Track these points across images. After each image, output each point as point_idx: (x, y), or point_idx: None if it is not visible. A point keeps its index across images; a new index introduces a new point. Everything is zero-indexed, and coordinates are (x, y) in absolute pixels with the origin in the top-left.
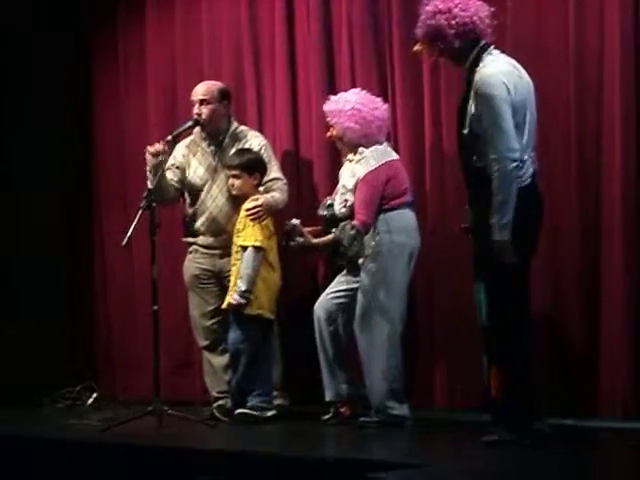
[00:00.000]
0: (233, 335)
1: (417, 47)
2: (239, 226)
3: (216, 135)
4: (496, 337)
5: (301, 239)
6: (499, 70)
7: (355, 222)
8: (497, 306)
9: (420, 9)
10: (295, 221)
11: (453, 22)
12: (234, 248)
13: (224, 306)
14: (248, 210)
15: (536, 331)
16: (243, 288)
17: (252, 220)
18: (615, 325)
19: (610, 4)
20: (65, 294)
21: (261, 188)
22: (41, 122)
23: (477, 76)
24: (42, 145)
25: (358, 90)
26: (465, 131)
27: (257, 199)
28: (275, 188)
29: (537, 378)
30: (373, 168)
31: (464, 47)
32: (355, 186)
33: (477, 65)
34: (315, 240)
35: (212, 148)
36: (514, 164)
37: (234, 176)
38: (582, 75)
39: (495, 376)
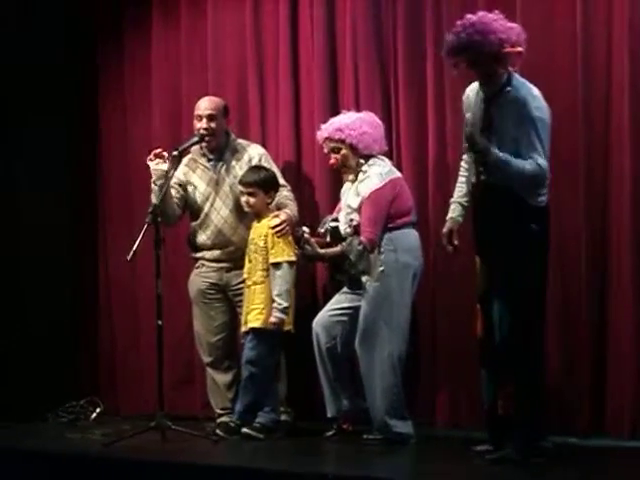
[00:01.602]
0: (256, 352)
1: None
2: (265, 244)
3: (216, 149)
4: (513, 356)
5: (308, 247)
6: (540, 94)
7: (362, 238)
8: (516, 325)
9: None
10: (304, 229)
11: (518, 49)
12: (248, 264)
13: (259, 325)
14: (274, 227)
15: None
16: (285, 304)
17: (280, 237)
18: (623, 343)
19: (618, 18)
20: (69, 309)
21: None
22: (46, 139)
23: (517, 96)
24: (47, 162)
25: (343, 111)
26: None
27: (278, 215)
28: (286, 202)
29: (546, 396)
30: (378, 187)
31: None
32: (360, 205)
33: (508, 85)
34: (322, 250)
35: (212, 162)
36: (544, 181)
37: (249, 193)
38: (590, 90)
39: (506, 394)
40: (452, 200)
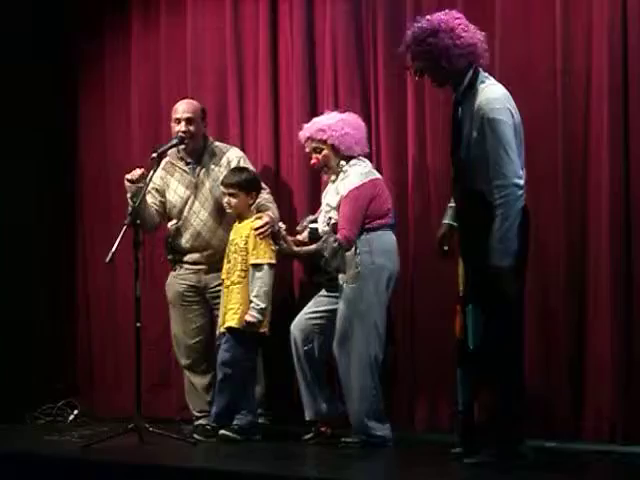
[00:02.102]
0: (231, 353)
1: (411, 64)
2: (246, 245)
3: (194, 152)
4: (489, 360)
5: (283, 244)
6: (502, 94)
7: (338, 236)
8: (492, 329)
9: (410, 26)
10: (281, 225)
11: (458, 42)
12: (227, 264)
13: (235, 324)
14: (257, 229)
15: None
16: (262, 305)
17: (262, 238)
18: (601, 346)
19: (598, 26)
20: (47, 310)
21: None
22: (24, 139)
23: (479, 99)
24: (24, 161)
25: (326, 112)
26: (462, 154)
27: (261, 217)
28: (267, 204)
29: (525, 400)
30: (357, 185)
31: (463, 68)
32: (339, 204)
33: (472, 88)
34: (297, 248)
35: (190, 166)
36: (521, 191)
37: (230, 194)
38: (569, 99)
39: (483, 398)
40: (449, 204)
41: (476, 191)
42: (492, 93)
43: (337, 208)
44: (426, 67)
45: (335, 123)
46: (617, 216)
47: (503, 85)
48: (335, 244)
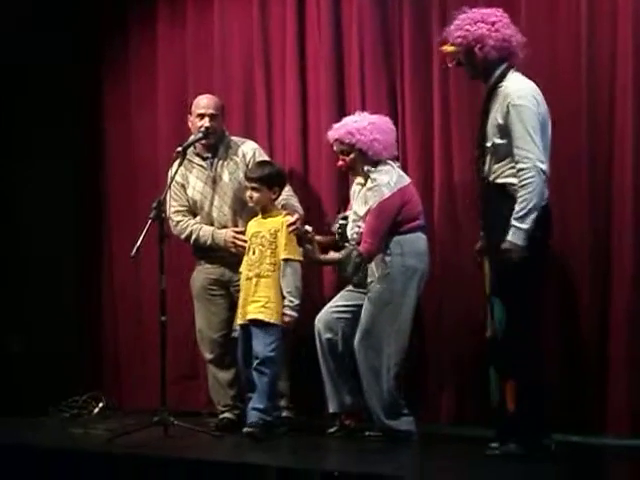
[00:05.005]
0: (263, 347)
1: (448, 47)
2: (275, 239)
3: (212, 147)
4: (511, 351)
5: (309, 247)
6: (529, 86)
7: (361, 249)
8: (513, 321)
9: (457, 14)
10: (308, 228)
11: (494, 34)
12: (251, 256)
13: (264, 318)
14: (291, 225)
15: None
16: (297, 302)
17: (295, 235)
18: (624, 342)
19: (623, 23)
20: (73, 303)
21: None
22: (51, 137)
23: (507, 89)
24: (51, 160)
25: (358, 112)
26: (488, 144)
27: (290, 214)
28: (293, 203)
29: (550, 394)
30: (386, 198)
31: (495, 61)
32: (366, 214)
33: (502, 81)
34: (321, 256)
35: (208, 161)
36: (544, 176)
37: (253, 188)
38: (594, 96)
39: (510, 390)
40: None
41: (497, 184)
42: (520, 84)
43: (364, 218)
44: (460, 52)
45: (364, 127)
46: None
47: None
48: (358, 259)
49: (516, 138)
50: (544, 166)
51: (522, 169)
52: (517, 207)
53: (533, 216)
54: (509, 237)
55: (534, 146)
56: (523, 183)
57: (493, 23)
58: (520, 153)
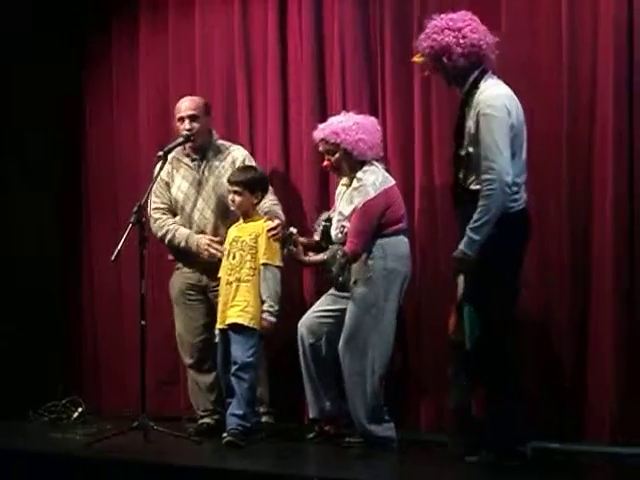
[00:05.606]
0: (241, 352)
1: (417, 58)
2: (256, 244)
3: (200, 149)
4: (484, 358)
5: (293, 249)
6: (503, 93)
7: (346, 249)
8: (486, 328)
9: (426, 22)
10: (292, 230)
11: (462, 41)
12: (231, 261)
13: (243, 322)
14: (271, 230)
15: (523, 354)
16: (277, 307)
17: (275, 240)
18: (603, 349)
19: (604, 30)
20: (53, 307)
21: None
22: (32, 139)
23: (479, 97)
24: (32, 161)
25: (343, 112)
26: (462, 152)
27: (272, 219)
28: (275, 209)
29: (524, 400)
30: (371, 198)
31: (466, 68)
32: (351, 214)
33: (476, 87)
34: (305, 257)
35: (196, 162)
36: (507, 188)
37: (236, 192)
38: (575, 103)
39: (481, 398)
40: None
41: (472, 190)
42: (492, 91)
43: (349, 218)
44: (429, 62)
45: (349, 127)
46: (622, 214)
47: (507, 82)
48: (343, 259)
49: (483, 148)
50: (509, 178)
51: (485, 180)
52: (475, 216)
53: (488, 228)
54: (461, 246)
55: (501, 157)
56: (484, 194)
57: (460, 29)
58: (485, 164)
